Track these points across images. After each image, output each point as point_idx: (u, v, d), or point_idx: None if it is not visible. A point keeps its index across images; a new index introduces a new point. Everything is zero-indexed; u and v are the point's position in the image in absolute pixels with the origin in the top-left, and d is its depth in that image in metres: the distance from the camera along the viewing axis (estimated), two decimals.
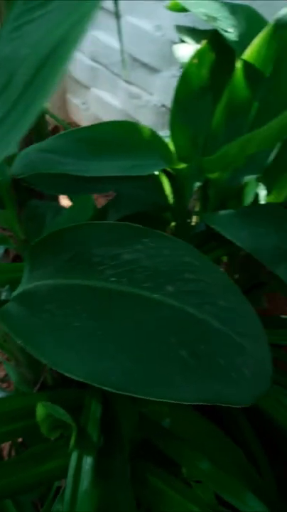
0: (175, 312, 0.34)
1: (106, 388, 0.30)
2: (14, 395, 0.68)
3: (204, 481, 0.48)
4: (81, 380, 0.30)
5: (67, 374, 0.31)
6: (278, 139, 0.50)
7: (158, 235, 0.38)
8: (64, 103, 1.74)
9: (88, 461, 0.50)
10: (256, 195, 0.71)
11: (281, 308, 1.07)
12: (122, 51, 1.19)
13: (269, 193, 0.62)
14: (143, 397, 0.31)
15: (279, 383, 0.70)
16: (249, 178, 0.61)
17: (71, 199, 0.77)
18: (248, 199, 0.69)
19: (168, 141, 0.69)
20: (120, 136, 0.56)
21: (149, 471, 0.55)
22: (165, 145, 0.60)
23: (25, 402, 0.56)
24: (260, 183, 0.67)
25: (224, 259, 0.86)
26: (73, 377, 0.30)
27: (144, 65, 1.14)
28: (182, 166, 0.59)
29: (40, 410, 0.51)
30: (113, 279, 0.34)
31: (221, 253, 0.60)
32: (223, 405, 0.34)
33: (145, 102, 1.24)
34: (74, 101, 1.64)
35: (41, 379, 0.60)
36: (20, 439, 0.79)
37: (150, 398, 0.31)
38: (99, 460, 0.53)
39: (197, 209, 0.75)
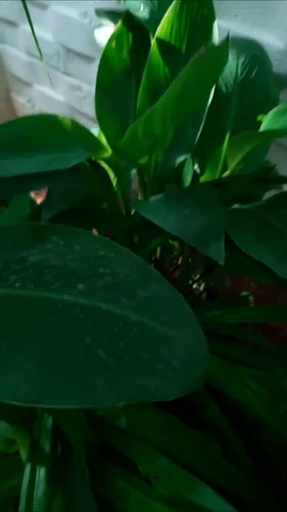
0: (88, 311, 0.32)
1: (15, 403, 0.28)
2: None
3: (161, 477, 0.47)
4: None
5: None
6: (181, 112, 0.48)
7: (69, 231, 0.36)
8: (9, 102, 1.68)
9: (41, 472, 0.48)
10: (197, 176, 0.69)
11: (245, 285, 1.06)
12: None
13: (203, 171, 0.60)
14: (60, 407, 0.29)
15: (244, 363, 0.69)
16: (181, 159, 0.59)
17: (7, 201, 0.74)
18: (187, 180, 0.67)
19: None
20: (38, 130, 0.54)
21: (111, 472, 0.53)
22: (90, 135, 0.57)
23: None
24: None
25: (176, 244, 0.85)
26: None
27: (78, 55, 1.11)
28: (110, 154, 0.56)
29: None
30: (18, 284, 0.32)
31: (161, 240, 0.58)
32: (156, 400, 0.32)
33: (87, 92, 1.21)
34: (19, 99, 1.59)
35: None
36: None
37: (69, 407, 0.29)
38: (56, 468, 0.51)
39: (139, 197, 0.73)
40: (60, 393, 0.29)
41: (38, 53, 1.27)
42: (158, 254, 0.83)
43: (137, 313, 0.34)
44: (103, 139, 0.65)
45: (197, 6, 0.52)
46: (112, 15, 0.71)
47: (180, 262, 0.96)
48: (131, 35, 0.61)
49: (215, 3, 0.53)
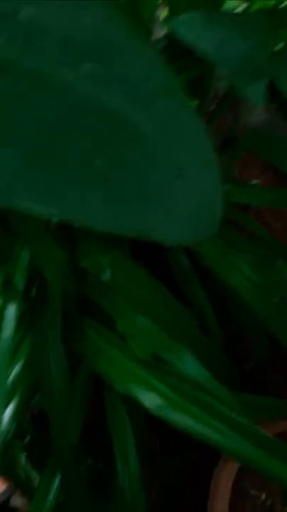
0: (92, 104, 0.24)
1: None
2: None
3: (139, 336, 0.44)
4: None
5: None
6: None
7: None
8: None
9: (11, 311, 0.44)
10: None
11: (255, 175, 0.98)
12: None
13: None
14: (36, 209, 0.22)
15: (243, 249, 0.64)
16: None
17: None
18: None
19: None
20: None
21: (85, 326, 0.50)
22: None
23: None
24: None
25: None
26: None
27: None
28: None
29: None
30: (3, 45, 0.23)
31: (189, 76, 0.48)
32: (156, 242, 0.26)
33: None
34: None
35: None
36: None
37: (53, 213, 0.23)
38: (28, 312, 0.48)
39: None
40: (41, 189, 0.23)
41: None
42: None
43: (153, 126, 0.26)
44: None
45: None
46: None
47: None
48: None
49: None
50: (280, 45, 0.43)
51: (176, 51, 0.44)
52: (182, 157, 0.28)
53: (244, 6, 0.50)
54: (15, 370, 0.48)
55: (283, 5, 0.44)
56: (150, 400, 0.43)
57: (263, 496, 0.65)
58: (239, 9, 0.51)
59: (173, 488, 0.76)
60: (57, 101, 0.24)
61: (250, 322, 0.64)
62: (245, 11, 0.49)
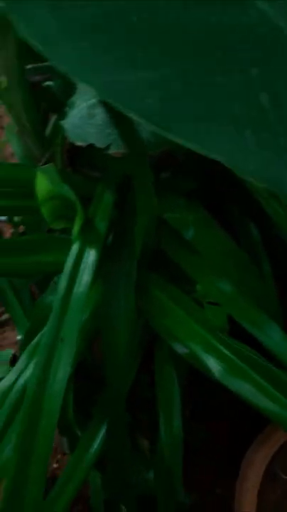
0: (270, 29, 0.20)
1: (131, 113, 0.18)
2: (13, 163, 0.57)
3: (221, 303, 0.41)
4: (97, 90, 0.18)
5: (82, 82, 0.18)
6: None
7: None
8: None
9: (91, 255, 0.42)
10: None
11: None
12: None
13: None
14: (184, 141, 0.19)
15: None
16: None
17: None
18: None
19: None
20: None
21: (157, 284, 0.48)
22: None
23: (25, 174, 0.46)
24: None
25: None
26: (89, 85, 0.18)
27: None
28: None
29: (42, 185, 0.41)
30: None
31: None
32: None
33: None
34: None
35: (46, 155, 0.49)
36: (21, 229, 0.73)
37: (198, 148, 0.19)
38: (104, 259, 0.45)
39: None
40: (196, 121, 0.19)
41: None
42: None
43: None
44: None
45: None
46: None
47: None
48: None
49: None
50: None
51: None
52: None
53: None
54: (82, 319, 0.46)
55: None
56: (215, 365, 0.41)
57: None
58: None
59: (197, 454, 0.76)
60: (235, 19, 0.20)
61: None
62: None
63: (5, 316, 0.81)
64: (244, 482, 0.64)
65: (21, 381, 0.41)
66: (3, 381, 0.44)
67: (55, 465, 0.68)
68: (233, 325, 0.42)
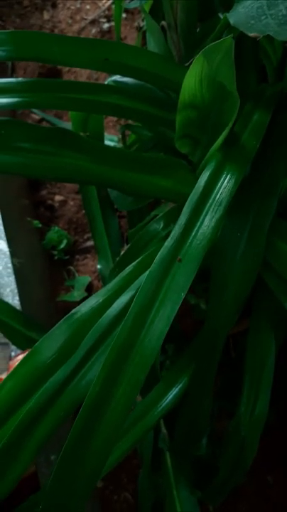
0: None
1: None
2: (161, 56, 0.49)
3: None
4: None
5: None
6: None
7: None
8: None
9: (230, 180, 0.34)
10: None
11: None
12: None
13: None
14: None
15: None
16: None
17: None
18: None
19: None
20: None
21: (285, 235, 0.40)
22: None
23: (165, 70, 0.38)
24: None
25: None
26: None
27: None
28: None
29: (191, 80, 0.33)
30: None
31: None
32: None
33: None
34: None
35: (195, 56, 0.41)
36: None
37: None
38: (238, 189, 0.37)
39: None
40: None
41: None
42: None
43: None
44: None
45: None
46: None
47: None
48: None
49: None
50: None
51: None
52: None
53: None
54: None
55: None
56: None
57: None
58: None
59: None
60: None
61: None
62: None
63: (89, 243, 0.77)
64: None
65: (116, 306, 0.35)
66: (89, 303, 0.38)
67: None
68: None
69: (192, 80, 0.35)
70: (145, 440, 0.56)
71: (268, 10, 0.34)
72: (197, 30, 0.48)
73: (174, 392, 0.44)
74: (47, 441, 0.30)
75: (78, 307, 0.36)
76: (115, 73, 0.45)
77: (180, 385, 0.44)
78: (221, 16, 0.46)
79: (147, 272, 0.31)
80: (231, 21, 0.35)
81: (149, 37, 0.48)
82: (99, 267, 0.70)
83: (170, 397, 0.44)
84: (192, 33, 0.42)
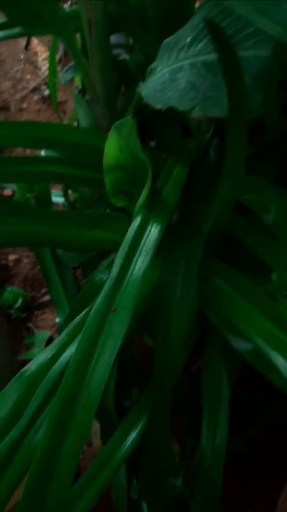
0: None
1: None
2: (82, 128, 0.54)
3: None
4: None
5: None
6: None
7: None
8: None
9: (155, 229, 0.38)
10: None
11: None
12: None
13: None
14: None
15: None
16: None
17: None
18: None
19: None
20: None
21: (222, 272, 0.44)
22: None
23: (93, 140, 0.43)
24: None
25: None
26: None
27: None
28: None
29: (111, 148, 0.38)
30: None
31: None
32: None
33: None
34: None
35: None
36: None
37: None
38: (166, 237, 0.41)
39: None
40: None
41: None
42: None
43: None
44: None
45: None
46: None
47: None
48: None
49: None
50: None
51: None
52: None
53: None
54: None
55: None
56: (284, 364, 0.35)
57: None
58: None
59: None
60: None
61: None
62: None
63: (46, 298, 0.79)
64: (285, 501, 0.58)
65: (60, 361, 0.37)
66: (38, 360, 0.40)
67: None
68: None
69: (112, 148, 0.39)
70: (119, 490, 0.56)
71: (171, 84, 0.39)
72: (121, 98, 0.53)
73: (133, 436, 0.45)
74: (5, 504, 0.31)
75: (28, 365, 0.38)
76: (49, 148, 0.49)
77: (138, 428, 0.45)
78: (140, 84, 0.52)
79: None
80: (142, 94, 0.41)
81: (78, 109, 0.53)
82: (57, 320, 0.71)
83: (129, 441, 0.45)
84: (114, 104, 0.47)
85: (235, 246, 0.42)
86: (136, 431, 0.45)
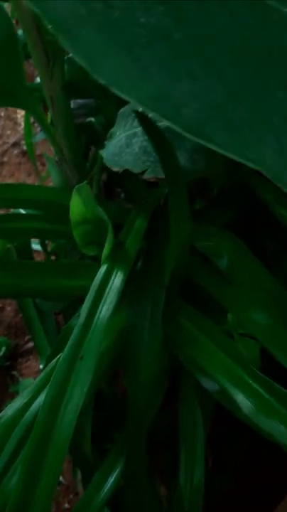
0: None
1: (174, 126, 0.18)
2: (49, 186, 0.59)
3: (254, 334, 0.39)
4: (139, 105, 0.18)
5: (123, 96, 0.19)
6: None
7: None
8: None
9: (118, 277, 0.42)
10: None
11: None
12: None
13: None
14: (222, 149, 0.19)
15: None
16: None
17: None
18: None
19: None
20: None
21: (186, 314, 0.47)
22: None
23: (60, 197, 0.47)
24: None
25: None
26: (130, 99, 0.18)
27: None
28: None
29: (76, 206, 0.42)
30: None
31: None
32: None
33: None
34: None
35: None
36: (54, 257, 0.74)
37: (233, 155, 0.19)
38: (131, 285, 0.45)
39: None
40: (239, 128, 0.19)
41: None
42: None
43: None
44: None
45: None
46: None
47: None
48: None
49: None
50: None
51: None
52: None
53: None
54: (103, 345, 0.45)
55: None
56: (245, 402, 0.38)
57: None
58: None
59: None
60: (274, 31, 0.20)
61: None
62: None
63: (29, 345, 0.81)
64: None
65: (34, 406, 0.40)
66: (14, 406, 0.42)
67: (66, 505, 0.64)
68: (266, 361, 0.40)
69: (77, 205, 0.43)
70: None
71: (126, 148, 0.44)
72: (91, 157, 0.58)
73: (112, 478, 0.46)
74: None
75: (4, 411, 0.40)
76: (24, 207, 0.53)
77: (117, 471, 0.47)
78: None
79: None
80: (103, 157, 0.45)
81: (51, 169, 0.58)
82: (41, 366, 0.73)
83: (109, 484, 0.46)
84: (81, 165, 0.52)
85: (196, 288, 0.46)
86: (115, 473, 0.47)
